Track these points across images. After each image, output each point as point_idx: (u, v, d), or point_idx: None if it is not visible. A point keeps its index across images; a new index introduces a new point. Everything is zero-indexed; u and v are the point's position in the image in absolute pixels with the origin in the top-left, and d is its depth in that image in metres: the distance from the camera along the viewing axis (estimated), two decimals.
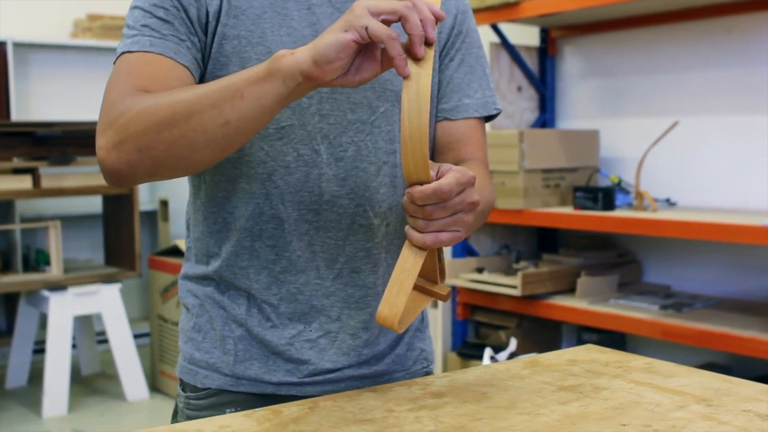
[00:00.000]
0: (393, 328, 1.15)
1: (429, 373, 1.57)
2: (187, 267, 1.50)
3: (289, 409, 1.24)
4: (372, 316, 1.44)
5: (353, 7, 1.13)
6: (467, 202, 1.16)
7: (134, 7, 1.34)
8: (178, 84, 1.29)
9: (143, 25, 1.31)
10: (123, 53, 1.31)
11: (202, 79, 1.36)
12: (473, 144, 1.50)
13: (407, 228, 1.18)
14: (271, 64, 1.15)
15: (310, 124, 1.37)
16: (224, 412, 1.41)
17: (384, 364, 1.48)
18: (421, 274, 1.25)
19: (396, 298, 1.15)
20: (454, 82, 1.50)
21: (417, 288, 1.25)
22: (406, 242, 1.19)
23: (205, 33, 1.34)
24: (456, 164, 1.44)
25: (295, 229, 1.39)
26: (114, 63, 1.33)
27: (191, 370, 1.46)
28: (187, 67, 1.31)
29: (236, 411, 1.40)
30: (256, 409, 1.24)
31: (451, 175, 1.15)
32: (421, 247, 1.17)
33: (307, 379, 1.42)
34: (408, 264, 1.17)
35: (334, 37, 1.12)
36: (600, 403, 1.23)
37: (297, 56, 1.14)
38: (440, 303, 4.13)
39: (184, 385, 1.48)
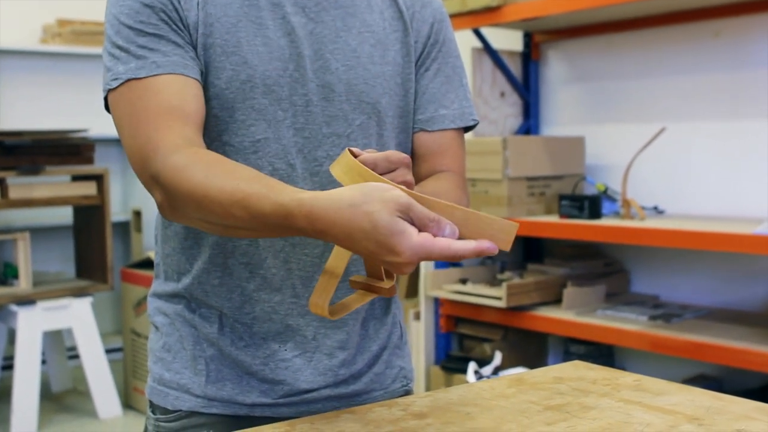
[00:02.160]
0: (323, 314, 1.15)
1: (408, 391, 1.55)
2: (157, 284, 1.48)
3: None
4: (349, 335, 1.43)
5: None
6: (398, 181, 1.15)
7: (121, 24, 1.31)
8: (195, 103, 1.29)
9: (141, 46, 1.29)
10: (130, 80, 1.28)
11: None
12: (450, 156, 1.48)
13: None
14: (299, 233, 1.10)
15: (285, 138, 1.35)
16: None
17: (362, 383, 1.47)
18: (368, 273, 1.24)
19: (326, 286, 1.14)
20: (429, 92, 1.49)
21: (361, 285, 1.24)
22: None
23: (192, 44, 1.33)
24: (431, 176, 1.44)
25: (270, 245, 1.37)
26: (114, 87, 1.30)
27: (161, 391, 1.43)
28: (197, 80, 1.31)
29: None
30: None
31: (380, 153, 1.16)
32: None
33: (282, 400, 1.40)
34: (341, 252, 1.16)
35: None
36: (588, 423, 1.22)
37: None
38: (423, 315, 4.11)
39: (153, 407, 1.45)
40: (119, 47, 1.31)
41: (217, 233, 1.24)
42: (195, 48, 1.33)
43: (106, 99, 1.33)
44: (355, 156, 1.15)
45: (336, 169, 1.13)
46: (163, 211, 1.27)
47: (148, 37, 1.30)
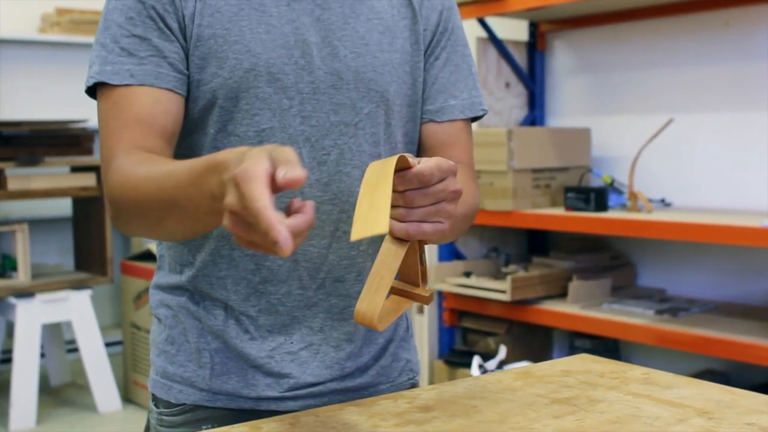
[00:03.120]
0: (372, 325, 1.13)
1: (415, 384, 1.56)
2: (159, 276, 1.49)
3: (269, 425, 1.22)
4: (357, 327, 1.43)
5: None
6: (449, 190, 1.16)
7: (110, 21, 1.33)
8: (164, 118, 1.31)
9: (122, 48, 1.31)
10: (105, 84, 1.31)
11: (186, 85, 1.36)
12: (459, 147, 1.49)
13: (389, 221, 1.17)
14: (213, 203, 1.05)
15: (291, 127, 1.35)
16: (200, 429, 1.40)
17: (368, 376, 1.47)
18: (402, 277, 1.25)
19: (375, 294, 1.13)
20: (439, 82, 1.49)
21: (397, 291, 1.24)
22: (387, 236, 1.17)
23: (185, 38, 1.33)
24: None
25: None
26: (90, 85, 1.33)
27: (164, 384, 1.44)
28: (171, 90, 1.31)
29: (213, 428, 1.39)
30: (234, 426, 1.22)
31: (431, 161, 1.15)
32: (402, 238, 1.16)
33: (288, 394, 1.40)
34: (388, 258, 1.15)
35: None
36: (596, 416, 1.22)
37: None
38: (426, 309, 4.11)
39: (156, 401, 1.46)
40: (102, 44, 1.33)
41: (152, 233, 1.28)
42: (186, 44, 1.33)
43: (90, 88, 1.35)
44: (410, 166, 1.14)
45: (376, 167, 1.14)
46: (115, 222, 1.32)
47: (131, 39, 1.31)
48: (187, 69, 1.35)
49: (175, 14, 1.32)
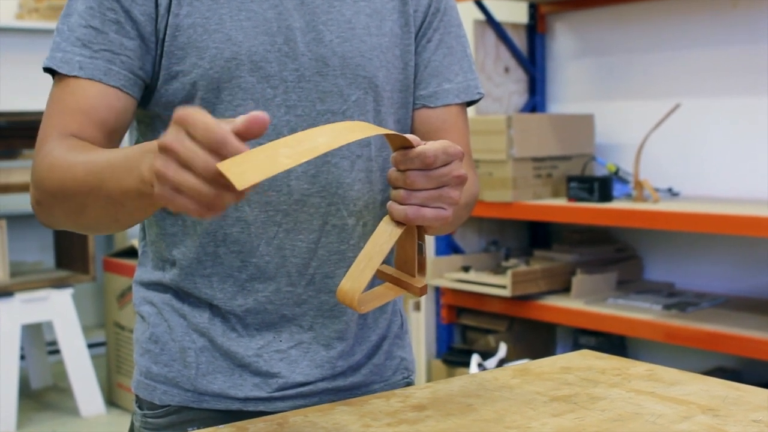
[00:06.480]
0: (352, 306, 1.13)
1: (410, 383, 1.57)
2: (142, 272, 1.49)
3: (256, 426, 1.23)
4: (348, 325, 1.44)
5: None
6: (453, 175, 1.17)
7: (72, 8, 1.34)
8: (105, 112, 1.33)
9: (77, 38, 1.33)
10: (55, 73, 1.34)
11: (156, 78, 1.36)
12: (455, 133, 1.49)
13: (389, 203, 1.19)
14: (141, 185, 1.07)
15: (275, 117, 1.36)
16: (186, 431, 1.41)
17: (361, 375, 1.48)
18: (398, 265, 1.25)
19: (360, 274, 1.13)
20: (432, 65, 1.49)
21: (390, 278, 1.24)
22: (384, 218, 1.19)
23: (157, 30, 1.34)
24: None
25: (262, 232, 1.37)
26: (44, 68, 1.36)
27: (148, 385, 1.44)
28: (118, 88, 1.33)
29: (199, 429, 1.39)
30: (220, 427, 1.23)
31: (437, 143, 1.16)
32: (400, 221, 1.17)
33: (276, 394, 1.41)
34: (381, 239, 1.16)
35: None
36: (597, 414, 1.23)
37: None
38: (423, 305, 4.12)
39: (140, 402, 1.46)
40: (59, 30, 1.35)
41: (71, 221, 1.31)
42: (161, 32, 1.34)
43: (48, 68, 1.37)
44: (412, 145, 1.15)
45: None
46: (35, 208, 1.33)
47: (88, 30, 1.32)
48: (158, 61, 1.36)
49: (144, 6, 1.33)
